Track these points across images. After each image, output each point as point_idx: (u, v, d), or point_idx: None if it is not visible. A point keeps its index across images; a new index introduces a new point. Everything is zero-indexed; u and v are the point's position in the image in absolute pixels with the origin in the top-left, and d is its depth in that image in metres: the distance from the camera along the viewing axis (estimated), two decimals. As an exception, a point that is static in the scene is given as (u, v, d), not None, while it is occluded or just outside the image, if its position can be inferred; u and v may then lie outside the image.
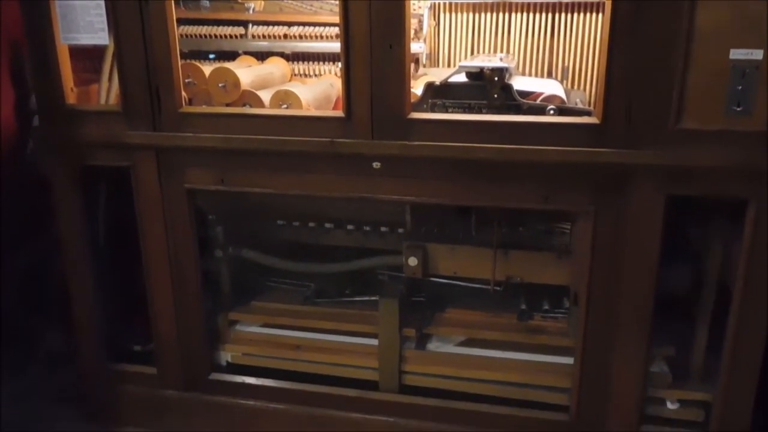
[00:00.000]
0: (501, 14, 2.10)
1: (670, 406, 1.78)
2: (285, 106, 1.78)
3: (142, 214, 1.86)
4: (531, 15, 2.08)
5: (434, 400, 1.88)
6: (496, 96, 1.68)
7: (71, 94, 1.82)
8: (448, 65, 2.16)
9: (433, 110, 1.71)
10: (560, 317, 1.89)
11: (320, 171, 1.71)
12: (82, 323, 2.01)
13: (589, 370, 1.72)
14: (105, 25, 1.71)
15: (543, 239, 1.86)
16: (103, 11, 1.70)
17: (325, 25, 2.05)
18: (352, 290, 2.06)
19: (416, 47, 1.99)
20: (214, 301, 2.04)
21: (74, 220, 1.92)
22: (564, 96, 1.79)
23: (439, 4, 2.11)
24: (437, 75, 1.93)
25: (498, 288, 1.85)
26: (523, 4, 2.06)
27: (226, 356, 2.06)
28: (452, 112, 1.70)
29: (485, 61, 1.73)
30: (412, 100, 1.66)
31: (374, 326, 1.92)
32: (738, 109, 1.46)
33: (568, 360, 1.80)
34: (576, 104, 1.83)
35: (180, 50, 1.73)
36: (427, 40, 2.12)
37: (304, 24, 2.07)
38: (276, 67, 2.06)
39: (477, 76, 1.69)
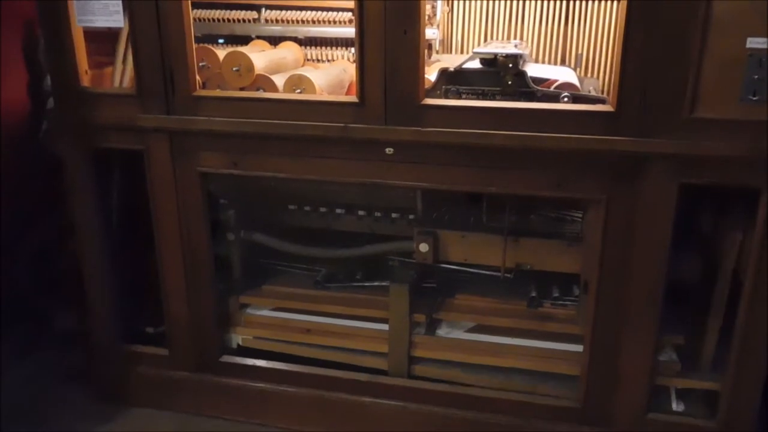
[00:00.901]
0: (515, 1, 2.09)
1: (675, 407, 1.79)
2: (298, 90, 1.78)
3: (155, 196, 1.87)
4: (545, 2, 2.07)
5: (443, 385, 1.90)
6: (509, 83, 1.67)
7: (85, 77, 1.82)
8: (462, 52, 2.16)
9: (446, 96, 1.71)
10: (570, 305, 1.90)
11: (333, 156, 1.71)
12: (95, 304, 2.03)
13: (598, 358, 1.73)
14: (120, 8, 1.72)
15: (554, 227, 1.87)
16: (119, -7, 1.70)
17: (338, 10, 2.05)
18: (363, 275, 2.07)
19: (430, 33, 1.99)
20: (226, 284, 2.06)
21: (87, 201, 1.93)
22: (578, 83, 1.78)
23: (453, -11, 2.10)
24: (450, 61, 1.93)
25: (508, 275, 1.85)
26: (537, -10, 2.05)
27: (237, 339, 2.08)
28: (466, 99, 1.70)
29: (499, 48, 1.73)
30: (426, 86, 1.66)
31: (384, 311, 1.93)
32: (754, 98, 1.45)
33: (578, 348, 1.81)
34: (589, 92, 1.83)
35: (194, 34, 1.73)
36: (441, 26, 2.11)
37: (317, 9, 2.06)
38: (289, 51, 2.06)
39: (491, 62, 1.69)
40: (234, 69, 1.82)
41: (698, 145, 1.49)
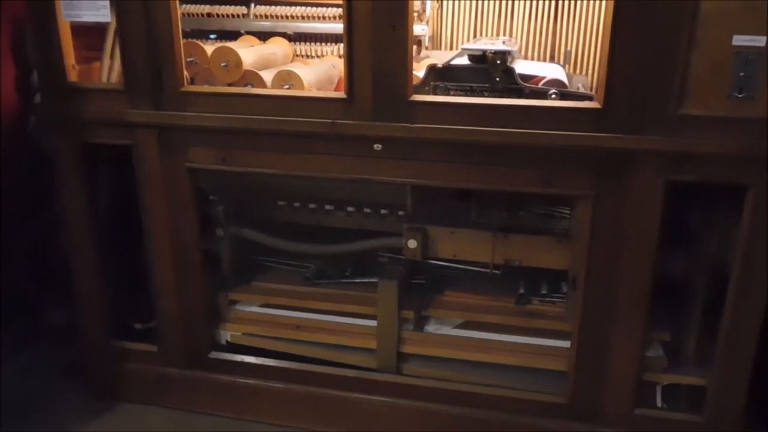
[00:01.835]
0: (504, -3, 2.09)
1: (659, 404, 1.80)
2: (287, 86, 1.78)
3: (144, 192, 1.86)
4: (534, -1, 2.07)
5: (432, 381, 1.90)
6: (498, 79, 1.68)
7: (73, 72, 1.81)
8: (451, 48, 2.16)
9: (435, 93, 1.71)
10: (558, 301, 1.91)
11: (321, 152, 1.71)
12: (84, 300, 2.02)
13: (586, 354, 1.73)
14: (107, 2, 1.71)
15: (543, 223, 1.87)
16: (106, -12, 1.69)
17: (327, 5, 2.05)
18: (352, 272, 2.07)
19: (419, 29, 1.99)
20: (215, 280, 2.05)
21: (76, 197, 1.92)
22: (566, 80, 1.78)
23: (442, -15, 2.10)
24: (439, 58, 1.93)
25: (497, 272, 1.86)
26: (526, -13, 2.05)
27: (226, 335, 2.07)
28: (454, 95, 1.70)
29: (488, 45, 1.73)
30: (414, 83, 1.66)
31: (373, 307, 1.93)
32: (740, 95, 1.46)
33: (565, 344, 1.81)
34: (578, 89, 1.83)
35: (182, 29, 1.72)
36: (430, 23, 2.11)
37: (306, 4, 2.06)
38: (278, 47, 2.06)
39: (479, 59, 1.69)
40: (222, 64, 1.81)
41: (685, 142, 1.50)
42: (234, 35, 2.11)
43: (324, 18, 2.04)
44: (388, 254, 2.02)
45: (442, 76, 1.71)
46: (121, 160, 1.88)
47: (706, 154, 1.51)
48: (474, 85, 1.70)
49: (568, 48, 2.09)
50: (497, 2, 2.10)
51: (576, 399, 1.78)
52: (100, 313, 2.03)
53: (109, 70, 1.92)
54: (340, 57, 2.01)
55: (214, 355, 2.02)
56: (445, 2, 2.13)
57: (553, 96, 1.64)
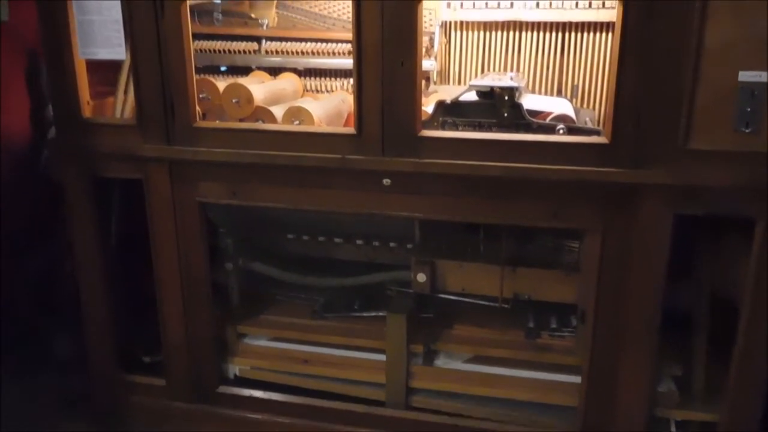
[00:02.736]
0: (511, 33, 2.12)
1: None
2: (297, 122, 1.80)
3: (154, 225, 1.88)
4: (541, 34, 2.10)
5: (441, 417, 1.89)
6: (506, 115, 1.69)
7: (87, 107, 1.85)
8: (459, 82, 2.18)
9: (443, 128, 1.73)
10: (568, 335, 1.90)
11: (331, 186, 1.73)
12: (93, 331, 2.03)
13: (596, 389, 1.72)
14: (122, 41, 1.74)
15: (551, 256, 1.87)
16: (121, 27, 1.73)
17: (337, 41, 2.08)
18: (361, 305, 2.07)
19: (427, 64, 2.02)
20: (224, 313, 2.06)
21: (86, 229, 1.94)
22: (573, 115, 1.80)
23: (450, 22, 2.13)
24: (448, 92, 1.95)
25: (506, 305, 1.85)
26: (532, 23, 2.08)
27: (234, 369, 2.07)
28: (463, 130, 1.72)
29: (495, 80, 1.75)
30: (423, 118, 1.68)
31: (382, 341, 1.92)
32: (747, 130, 1.47)
33: (576, 378, 1.80)
34: (585, 123, 1.85)
35: (194, 65, 1.75)
36: (438, 58, 2.14)
37: (316, 40, 2.10)
38: (288, 82, 2.09)
39: (487, 95, 1.71)
40: (234, 101, 1.84)
41: (693, 176, 1.51)
42: (245, 70, 2.15)
43: (333, 54, 2.08)
44: (396, 288, 2.01)
45: (450, 111, 1.73)
46: (130, 190, 1.90)
47: (713, 188, 1.51)
48: (482, 120, 1.71)
49: (575, 82, 2.11)
50: (504, 37, 2.13)
51: (587, 435, 1.76)
52: (108, 344, 2.04)
53: (123, 104, 1.95)
54: (349, 91, 2.04)
55: (222, 389, 2.01)
56: (453, 37, 2.16)
57: (561, 131, 1.66)
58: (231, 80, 2.06)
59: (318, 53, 2.10)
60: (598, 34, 2.06)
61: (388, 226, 1.94)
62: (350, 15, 1.62)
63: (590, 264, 1.67)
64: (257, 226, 2.07)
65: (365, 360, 1.97)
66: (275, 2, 2.13)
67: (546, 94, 2.13)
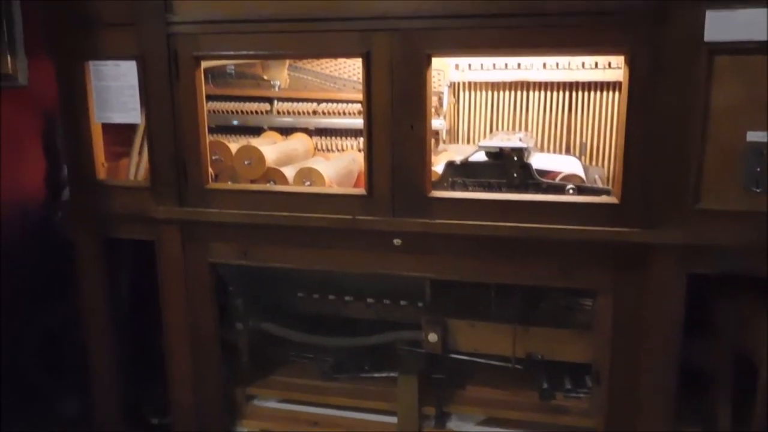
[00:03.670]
0: (519, 92, 2.15)
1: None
2: (308, 183, 1.82)
3: (165, 286, 1.88)
4: (548, 93, 2.13)
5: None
6: (515, 175, 1.70)
7: (102, 169, 1.88)
8: (468, 141, 2.21)
9: (453, 188, 1.74)
10: (582, 396, 1.86)
11: (342, 247, 1.73)
12: (99, 392, 2.01)
13: (614, 453, 1.68)
14: (138, 105, 1.78)
15: (564, 315, 1.85)
16: (137, 92, 1.77)
17: (348, 101, 2.12)
18: (371, 365, 2.05)
19: (437, 124, 2.05)
20: (233, 374, 2.03)
21: (96, 288, 1.94)
22: (582, 173, 1.81)
23: (458, 82, 2.17)
24: (457, 151, 1.97)
25: (519, 366, 1.83)
26: (540, 83, 2.11)
27: (243, 431, 2.04)
28: (472, 191, 1.72)
29: (504, 141, 1.77)
30: (433, 179, 1.69)
31: (393, 403, 1.89)
32: (757, 190, 1.47)
33: (592, 441, 1.76)
34: (595, 181, 1.85)
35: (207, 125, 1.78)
36: (448, 117, 2.17)
37: (327, 101, 2.14)
38: (300, 142, 2.12)
39: (496, 155, 1.73)
40: (246, 162, 1.87)
41: (703, 236, 1.50)
42: (257, 130, 2.19)
43: (344, 113, 2.11)
44: (407, 348, 1.99)
45: (460, 172, 1.74)
46: (141, 249, 1.91)
47: (725, 247, 1.50)
48: (492, 180, 1.72)
49: (584, 140, 2.13)
50: (512, 96, 2.16)
51: (605, 501, 1.71)
52: (115, 404, 2.01)
53: (137, 166, 1.98)
54: (360, 150, 2.07)
55: (231, 452, 1.98)
56: (461, 96, 2.20)
57: (571, 191, 1.66)
58: (243, 140, 2.10)
59: (329, 113, 2.13)
60: (605, 93, 2.08)
61: (398, 284, 1.93)
62: (360, 76, 1.65)
63: (603, 324, 1.65)
64: (267, 283, 2.07)
65: (376, 422, 1.93)
66: (287, 64, 2.18)
67: (554, 151, 2.15)
